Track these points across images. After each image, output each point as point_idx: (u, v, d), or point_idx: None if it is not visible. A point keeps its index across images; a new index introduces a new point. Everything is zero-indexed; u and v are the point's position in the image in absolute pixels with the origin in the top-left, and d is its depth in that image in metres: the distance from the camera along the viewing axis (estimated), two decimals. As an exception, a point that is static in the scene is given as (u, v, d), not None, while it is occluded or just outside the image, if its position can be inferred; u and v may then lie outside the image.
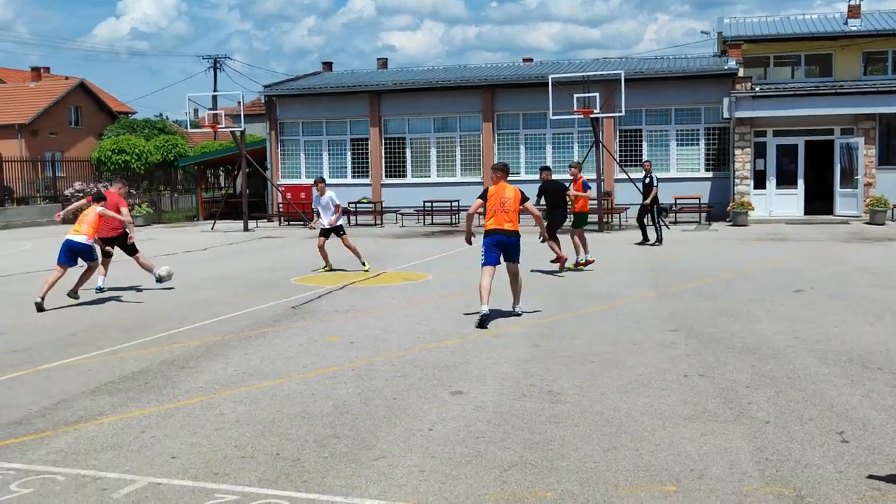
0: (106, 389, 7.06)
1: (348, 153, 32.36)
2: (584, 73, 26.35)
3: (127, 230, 13.04)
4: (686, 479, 4.80)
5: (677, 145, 29.26)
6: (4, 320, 10.70)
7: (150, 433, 5.84)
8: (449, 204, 29.09)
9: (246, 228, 27.88)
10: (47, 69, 59.75)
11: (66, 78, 55.44)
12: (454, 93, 30.88)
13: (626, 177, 26.67)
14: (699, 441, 5.45)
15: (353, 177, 32.29)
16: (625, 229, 25.01)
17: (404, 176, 31.51)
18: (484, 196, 10.29)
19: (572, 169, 15.95)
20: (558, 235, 14.67)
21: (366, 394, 6.75)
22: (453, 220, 28.97)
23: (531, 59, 38.50)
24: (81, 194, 32.60)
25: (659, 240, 19.62)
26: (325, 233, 15.61)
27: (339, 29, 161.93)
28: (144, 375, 7.53)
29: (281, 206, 31.14)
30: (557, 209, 14.97)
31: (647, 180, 19.91)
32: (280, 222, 30.90)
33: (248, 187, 29.82)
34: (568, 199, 15.33)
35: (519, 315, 10.29)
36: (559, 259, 14.37)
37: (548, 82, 25.14)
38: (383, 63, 39.87)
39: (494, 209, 10.13)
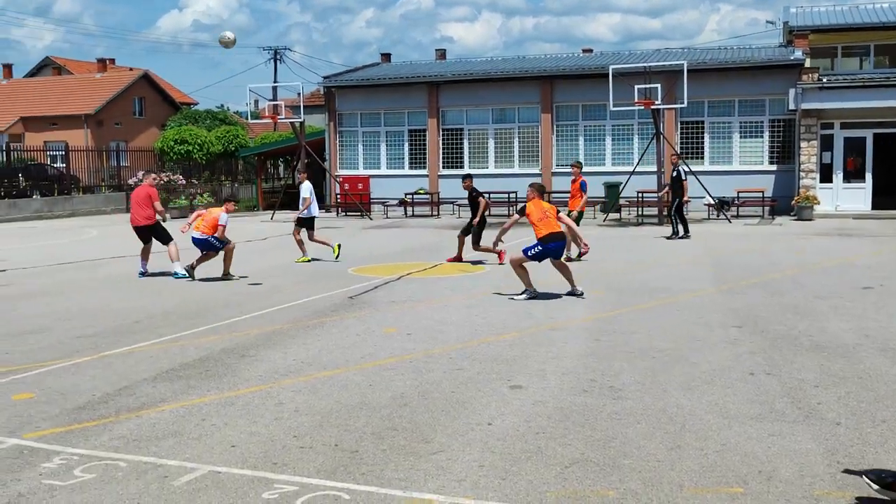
0: (167, 377, 7.13)
1: (406, 144, 32.40)
2: (645, 64, 25.96)
3: (160, 219, 13.99)
4: (754, 480, 4.65)
5: (740, 137, 28.69)
6: (71, 306, 10.91)
7: (210, 421, 5.87)
8: (507, 195, 28.94)
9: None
10: (112, 61, 61.04)
11: (131, 69, 56.57)
12: (513, 84, 30.68)
13: (687, 169, 26.21)
14: (767, 442, 5.28)
15: (411, 168, 32.33)
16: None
17: (461, 167, 31.43)
18: (522, 212, 11.40)
19: (573, 168, 16.26)
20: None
21: (424, 386, 6.71)
22: (510, 212, 28.80)
23: (591, 50, 38.10)
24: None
25: (675, 233, 19.56)
26: (304, 223, 15.99)
27: (398, 20, 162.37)
28: (205, 363, 7.59)
29: (339, 196, 31.32)
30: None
31: (675, 174, 19.69)
32: (338, 213, 31.09)
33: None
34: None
35: (582, 295, 10.97)
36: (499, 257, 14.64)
37: (608, 73, 24.82)
38: (442, 54, 39.83)
39: (541, 218, 11.07)
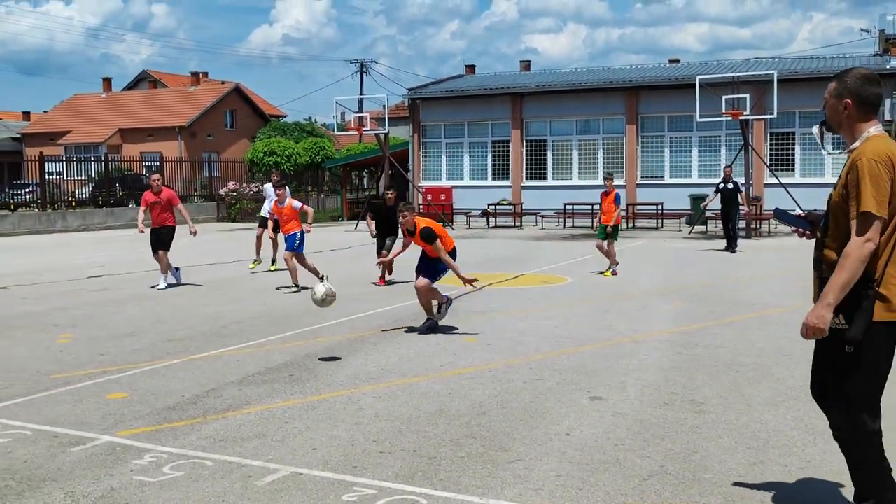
0: (253, 380, 7.32)
1: (489, 155, 32.50)
2: (733, 74, 25.49)
3: (189, 225, 14.45)
4: (839, 500, 4.53)
5: (833, 149, 27.87)
6: (164, 311, 11.28)
7: (292, 424, 6.01)
8: (590, 207, 28.73)
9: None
10: (206, 74, 62.92)
11: (223, 82, 58.18)
12: (597, 95, 30.51)
13: (776, 181, 25.62)
14: (854, 460, 5.13)
15: (494, 178, 32.41)
16: (774, 236, 24.04)
17: (545, 178, 31.38)
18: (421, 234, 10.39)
19: (607, 181, 15.45)
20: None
21: (502, 396, 6.73)
22: (594, 224, 28.59)
23: (678, 61, 37.59)
24: (235, 193, 34.12)
25: (732, 247, 19.10)
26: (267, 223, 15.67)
27: (482, 32, 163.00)
28: (289, 368, 7.76)
29: (422, 207, 31.58)
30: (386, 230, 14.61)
31: (731, 185, 19.23)
32: (421, 223, 31.34)
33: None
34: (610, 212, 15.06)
35: (435, 325, 9.71)
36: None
37: (695, 83, 24.48)
38: (526, 65, 39.86)
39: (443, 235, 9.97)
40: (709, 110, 24.15)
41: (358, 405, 6.50)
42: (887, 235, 3.74)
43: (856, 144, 3.88)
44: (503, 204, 31.15)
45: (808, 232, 4.22)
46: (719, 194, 19.61)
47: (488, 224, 30.37)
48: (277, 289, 13.39)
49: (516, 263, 16.82)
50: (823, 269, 3.89)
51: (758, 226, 25.05)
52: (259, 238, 16.38)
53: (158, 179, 14.53)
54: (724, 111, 23.69)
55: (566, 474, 4.95)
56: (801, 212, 4.46)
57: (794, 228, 4.35)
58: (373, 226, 14.81)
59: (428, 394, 6.81)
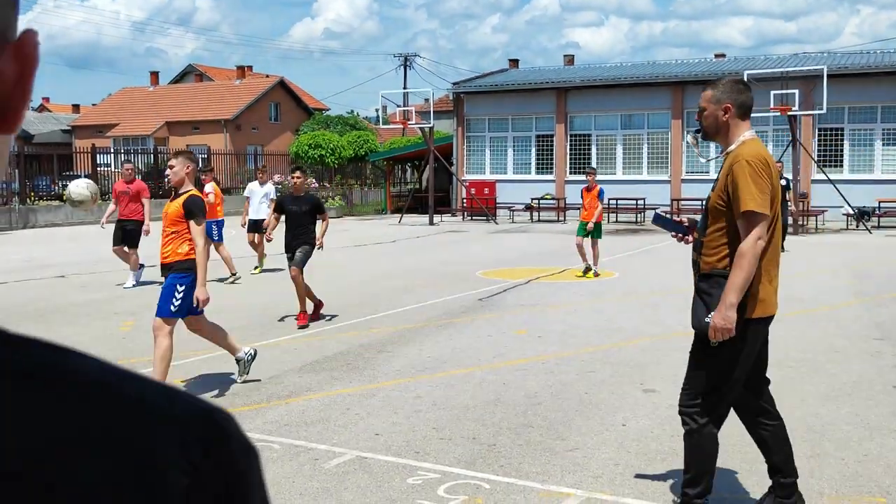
0: (311, 368, 7.52)
1: (533, 149, 32.51)
2: (781, 69, 25.25)
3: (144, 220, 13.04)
4: (898, 492, 4.59)
5: (883, 145, 27.49)
6: (220, 300, 11.52)
7: (353, 410, 6.18)
8: (634, 202, 28.66)
9: (431, 222, 28.59)
10: (250, 68, 63.48)
11: (267, 76, 58.76)
12: (642, 89, 30.37)
13: (824, 177, 25.35)
14: (911, 454, 5.18)
15: (537, 173, 32.42)
16: (822, 232, 23.80)
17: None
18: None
19: (589, 176, 14.01)
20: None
21: (556, 387, 6.84)
22: (638, 219, 28.52)
23: (723, 55, 37.26)
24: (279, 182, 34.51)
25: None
26: (257, 226, 14.19)
27: (523, 26, 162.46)
28: (346, 357, 7.95)
29: (465, 201, 31.71)
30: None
31: (784, 182, 17.47)
32: (464, 217, 31.48)
33: (434, 182, 30.56)
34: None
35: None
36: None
37: (742, 78, 24.28)
38: (570, 59, 39.77)
39: None
40: (756, 105, 23.86)
41: (415, 393, 6.66)
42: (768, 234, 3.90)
43: (732, 147, 4.05)
44: (547, 198, 31.17)
45: (686, 237, 4.35)
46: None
47: (532, 218, 30.42)
48: (221, 280, 13.29)
49: (561, 258, 16.88)
50: (701, 270, 4.03)
51: (805, 222, 24.81)
52: (253, 244, 14.79)
53: (131, 169, 13.25)
54: (772, 106, 23.49)
55: (624, 463, 5.06)
56: (680, 218, 4.59)
57: (672, 233, 4.48)
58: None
59: (483, 384, 6.95)
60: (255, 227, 14.23)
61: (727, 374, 3.96)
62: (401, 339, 8.86)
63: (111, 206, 13.68)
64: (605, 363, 7.68)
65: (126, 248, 12.92)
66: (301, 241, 10.02)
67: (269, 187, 14.84)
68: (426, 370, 7.46)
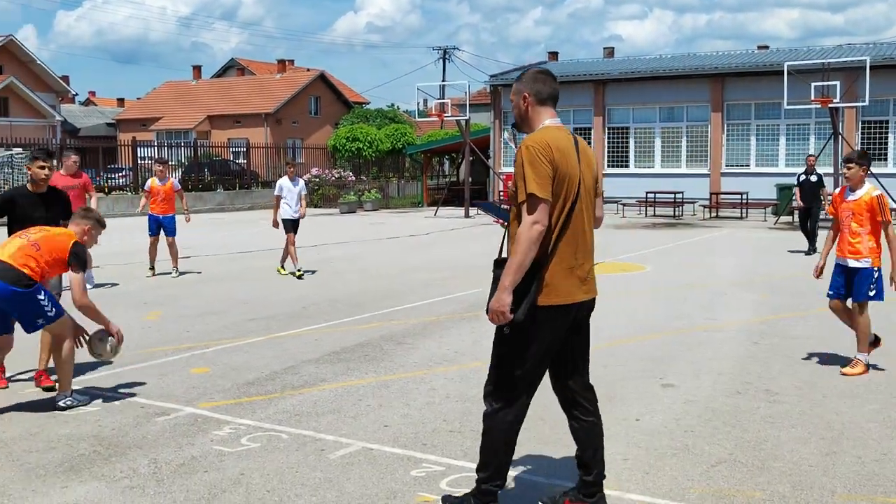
0: (329, 359, 7.52)
1: (570, 143, 32.25)
2: (823, 61, 24.76)
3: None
4: (913, 492, 4.45)
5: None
6: (247, 292, 11.63)
7: (366, 401, 6.16)
8: (672, 196, 28.33)
9: (467, 215, 28.54)
10: (292, 62, 64.00)
11: (308, 70, 59.10)
12: (681, 82, 29.98)
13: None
14: (932, 454, 5.02)
15: (575, 167, 32.17)
16: (864, 227, 23.30)
17: (627, 166, 31.01)
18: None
19: None
20: None
21: (574, 380, 6.75)
22: (676, 212, 28.19)
23: (766, 47, 36.64)
24: (318, 179, 34.68)
25: (812, 247, 16.58)
26: (294, 226, 13.52)
27: (565, 19, 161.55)
28: (364, 348, 7.94)
29: (502, 193, 31.59)
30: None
31: (815, 178, 16.91)
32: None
33: (470, 175, 30.49)
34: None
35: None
36: None
37: (783, 70, 23.86)
38: (610, 52, 39.41)
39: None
40: (797, 98, 23.52)
41: (430, 385, 6.63)
42: (553, 220, 3.82)
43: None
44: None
45: (505, 222, 4.25)
46: (801, 187, 17.28)
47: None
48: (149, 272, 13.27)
49: (595, 251, 16.70)
50: (501, 256, 3.99)
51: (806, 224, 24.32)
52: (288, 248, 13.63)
53: (76, 161, 11.88)
54: (812, 98, 23.04)
55: (633, 458, 4.98)
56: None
57: (494, 219, 4.48)
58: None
59: (499, 376, 6.88)
60: (293, 226, 13.47)
61: (519, 361, 3.91)
62: (422, 331, 8.83)
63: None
64: (625, 357, 7.58)
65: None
66: None
67: (302, 183, 14.39)
68: (443, 363, 7.42)
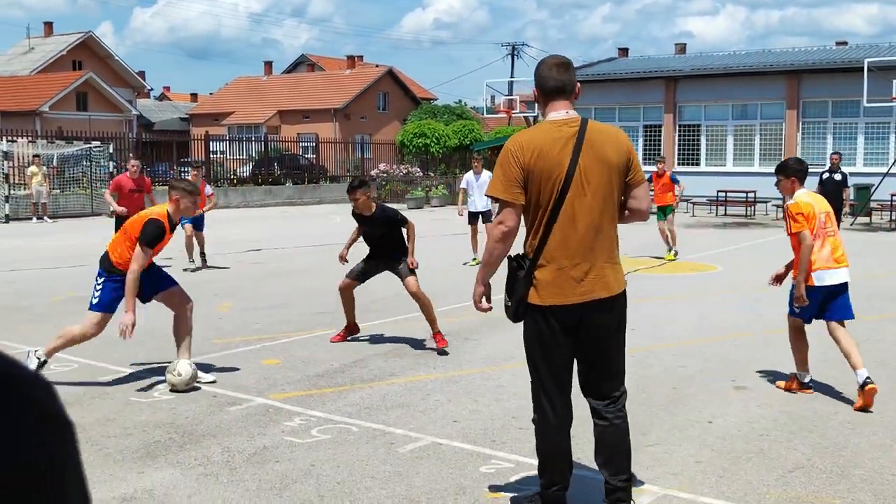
0: (396, 353, 7.55)
1: (640, 139, 31.87)
2: (906, 57, 23.97)
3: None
4: None
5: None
6: (314, 285, 11.75)
7: (434, 397, 6.17)
8: (745, 195, 27.75)
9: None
10: (361, 58, 64.45)
11: (376, 66, 59.46)
12: (755, 79, 29.35)
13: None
14: None
15: (644, 164, 31.76)
16: (947, 230, 22.50)
17: (698, 164, 30.50)
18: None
19: (658, 164, 15.46)
20: None
21: (643, 381, 6.66)
22: (748, 212, 27.61)
23: (845, 43, 35.65)
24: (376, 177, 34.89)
25: None
26: (477, 218, 14.23)
27: (634, 15, 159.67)
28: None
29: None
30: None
31: (839, 177, 16.37)
32: (567, 208, 31.15)
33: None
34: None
35: None
36: None
37: (862, 67, 23.18)
38: (681, 48, 38.80)
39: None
40: (877, 95, 22.82)
41: (497, 382, 6.60)
42: (537, 221, 3.79)
43: None
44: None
45: None
46: (823, 186, 16.41)
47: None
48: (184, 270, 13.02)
49: (665, 249, 16.47)
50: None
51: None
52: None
53: (137, 165, 12.64)
54: (893, 96, 22.33)
55: (706, 461, 4.88)
56: None
57: None
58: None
59: (568, 375, 6.82)
60: (474, 218, 14.33)
61: (530, 363, 3.99)
62: (489, 327, 8.80)
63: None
64: (697, 358, 7.45)
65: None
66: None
67: (486, 177, 13.67)
68: (511, 359, 7.38)
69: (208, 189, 14.17)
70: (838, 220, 16.30)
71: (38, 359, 6.33)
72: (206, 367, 6.83)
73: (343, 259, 8.14)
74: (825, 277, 6.19)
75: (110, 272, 6.29)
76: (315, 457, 4.89)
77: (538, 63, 4.02)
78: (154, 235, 6.25)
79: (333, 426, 5.46)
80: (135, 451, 4.97)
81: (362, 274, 7.94)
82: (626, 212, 3.99)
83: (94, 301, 6.33)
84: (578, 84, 3.95)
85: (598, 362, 3.96)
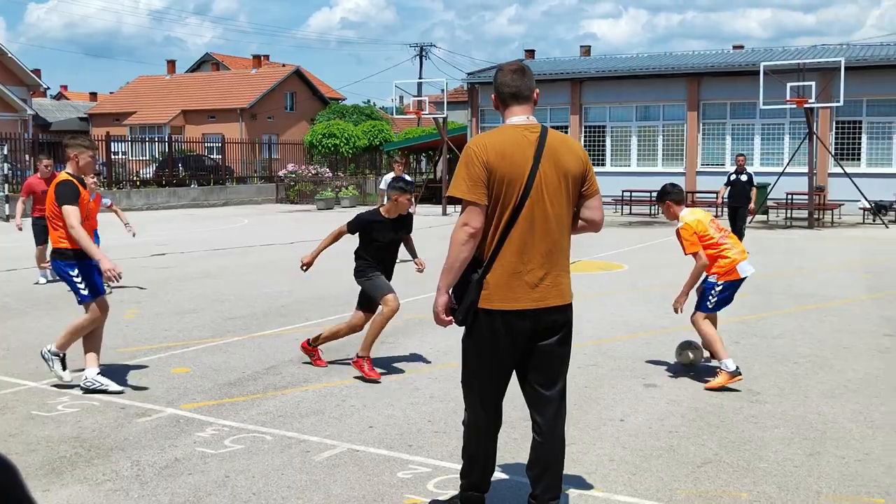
0: (311, 359, 7.46)
1: (547, 141, 32.32)
2: (798, 61, 24.96)
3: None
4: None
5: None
6: (225, 289, 11.53)
7: (349, 402, 6.13)
8: (649, 194, 28.43)
9: (444, 213, 28.50)
10: (267, 57, 63.52)
11: (283, 65, 58.73)
12: (658, 81, 30.13)
13: (841, 171, 25.06)
14: (914, 454, 5.07)
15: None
16: (838, 226, 23.55)
17: (603, 164, 31.13)
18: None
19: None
20: None
21: (557, 380, 6.75)
22: (653, 211, 28.32)
23: (742, 47, 36.91)
24: (295, 174, 34.52)
25: None
26: None
27: (540, 17, 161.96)
28: (346, 348, 7.88)
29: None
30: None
31: (745, 178, 16.84)
32: (477, 208, 31.37)
33: (447, 173, 30.45)
34: None
35: None
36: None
37: (758, 70, 24.03)
38: (586, 51, 39.52)
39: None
40: (773, 97, 23.69)
41: (414, 386, 6.60)
42: (494, 224, 3.71)
43: None
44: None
45: None
46: (730, 187, 17.06)
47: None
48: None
49: (572, 249, 16.74)
50: None
51: (821, 216, 24.57)
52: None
53: (49, 164, 11.90)
54: (788, 98, 23.22)
55: (619, 459, 4.98)
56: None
57: None
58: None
59: (482, 376, 6.86)
60: None
61: (468, 366, 3.89)
62: (404, 330, 8.80)
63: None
64: (607, 357, 7.60)
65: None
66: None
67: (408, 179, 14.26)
68: (427, 362, 7.40)
69: (106, 200, 12.63)
70: (743, 218, 16.96)
71: (56, 355, 6.43)
72: (113, 377, 6.62)
73: (307, 266, 7.25)
74: (746, 268, 6.79)
75: (71, 258, 6.23)
76: (229, 468, 4.79)
77: (496, 69, 3.93)
78: (67, 192, 6.18)
79: (247, 435, 5.36)
80: (39, 468, 4.79)
81: (370, 299, 7.08)
82: (581, 222, 3.99)
83: (84, 292, 6.28)
84: (537, 90, 3.89)
85: (544, 372, 3.90)
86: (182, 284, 12.03)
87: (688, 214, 6.80)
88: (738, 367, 6.56)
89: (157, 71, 70.98)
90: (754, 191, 17.03)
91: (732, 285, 6.84)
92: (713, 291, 6.82)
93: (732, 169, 17.61)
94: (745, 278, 6.85)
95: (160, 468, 4.79)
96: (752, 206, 17.00)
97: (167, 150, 36.05)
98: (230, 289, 11.62)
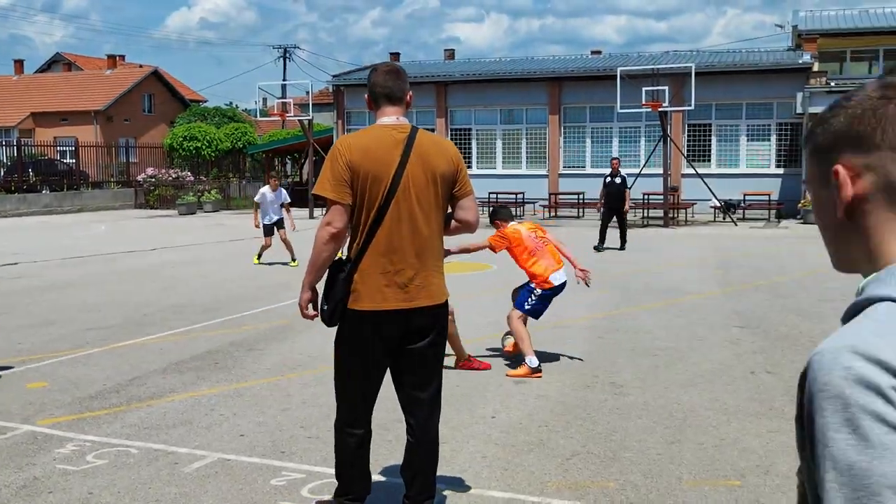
0: (177, 368, 7.26)
1: (414, 143, 32.49)
2: (653, 66, 26.04)
3: None
4: (751, 474, 4.76)
5: (748, 140, 28.73)
6: (84, 299, 11.05)
7: (218, 411, 5.99)
8: (514, 196, 29.02)
9: (311, 216, 28.22)
10: (122, 57, 61.20)
11: (140, 66, 56.76)
12: (521, 85, 30.78)
13: (693, 172, 26.30)
14: (765, 437, 5.38)
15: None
16: (691, 224, 24.69)
17: (470, 167, 31.52)
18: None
19: None
20: None
21: (429, 380, 6.81)
22: (518, 212, 28.90)
23: (600, 52, 38.18)
24: (153, 179, 33.45)
25: (622, 244, 17.45)
26: (272, 229, 14.97)
27: (404, 20, 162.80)
28: (214, 356, 7.71)
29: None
30: None
31: (619, 180, 17.45)
32: (345, 211, 31.21)
33: (313, 175, 30.17)
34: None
35: None
36: None
37: (616, 75, 24.91)
38: (450, 54, 39.94)
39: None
40: (629, 101, 24.61)
41: (285, 391, 6.51)
42: (362, 223, 3.71)
43: None
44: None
45: None
46: (606, 189, 17.60)
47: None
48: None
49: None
50: None
51: (675, 215, 25.68)
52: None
53: None
54: (643, 102, 24.18)
55: (491, 456, 5.07)
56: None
57: None
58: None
59: (355, 380, 6.85)
60: (270, 230, 14.93)
61: (338, 367, 3.88)
62: (274, 336, 8.67)
63: None
64: (476, 355, 7.70)
65: None
66: None
67: (283, 192, 15.33)
68: (298, 367, 7.32)
69: None
70: (622, 219, 17.55)
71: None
72: (-39, 396, 6.25)
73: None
74: (558, 277, 7.23)
75: None
76: (92, 484, 4.60)
77: (371, 69, 3.92)
78: None
79: (111, 450, 5.16)
80: None
81: None
82: (454, 222, 3.99)
83: None
84: (410, 92, 3.89)
85: (416, 374, 3.88)
86: (38, 295, 11.46)
87: (510, 228, 7.48)
88: (539, 365, 6.97)
89: (4, 71, 67.30)
90: (627, 192, 17.65)
91: (548, 294, 7.26)
92: (531, 297, 7.23)
93: (608, 171, 18.15)
94: (560, 286, 7.26)
95: (18, 488, 4.55)
96: (626, 206, 17.62)
97: (16, 154, 34.22)
98: (90, 298, 11.14)
